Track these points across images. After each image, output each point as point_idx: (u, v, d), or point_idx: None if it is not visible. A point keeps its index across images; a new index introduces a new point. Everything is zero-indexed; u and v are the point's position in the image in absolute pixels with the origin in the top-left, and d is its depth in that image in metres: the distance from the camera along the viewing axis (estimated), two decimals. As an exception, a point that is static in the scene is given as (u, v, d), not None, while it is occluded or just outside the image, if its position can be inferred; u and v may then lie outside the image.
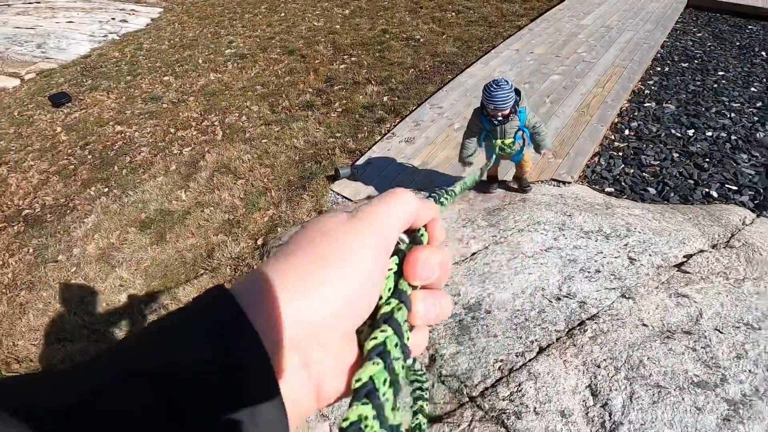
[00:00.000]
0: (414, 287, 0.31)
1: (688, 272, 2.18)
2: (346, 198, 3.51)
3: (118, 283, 3.07)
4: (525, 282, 2.17)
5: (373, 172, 3.63)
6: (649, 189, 3.24)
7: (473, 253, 2.44)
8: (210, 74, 5.39)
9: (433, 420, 1.71)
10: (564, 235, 2.51)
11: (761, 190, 3.09)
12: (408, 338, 0.29)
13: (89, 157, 4.25)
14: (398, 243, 0.32)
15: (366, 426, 0.25)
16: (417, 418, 0.36)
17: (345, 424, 0.25)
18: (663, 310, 1.95)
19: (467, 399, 1.77)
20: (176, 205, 3.60)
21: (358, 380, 0.26)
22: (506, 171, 3.22)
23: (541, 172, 3.33)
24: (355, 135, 4.08)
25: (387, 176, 3.59)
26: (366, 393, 0.26)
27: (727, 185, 3.17)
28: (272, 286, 0.26)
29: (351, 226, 0.29)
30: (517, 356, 1.87)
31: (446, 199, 0.43)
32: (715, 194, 3.12)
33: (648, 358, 1.75)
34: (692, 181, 3.25)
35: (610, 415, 1.62)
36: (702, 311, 1.93)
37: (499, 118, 2.48)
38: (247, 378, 0.23)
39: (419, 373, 0.37)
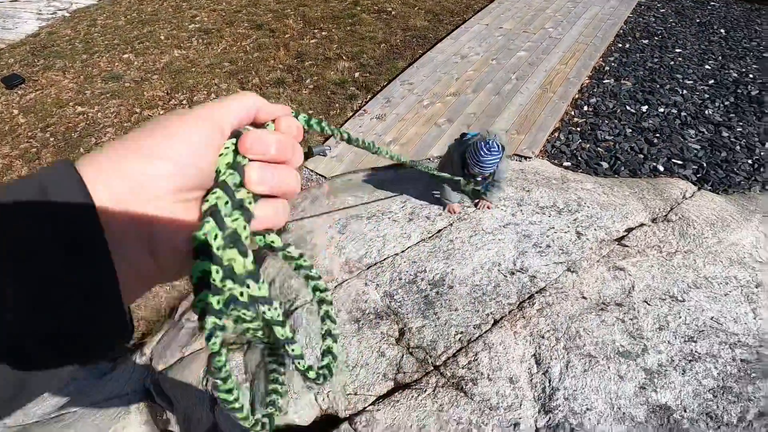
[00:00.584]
0: (251, 160, 0.33)
1: (627, 246, 2.37)
2: (320, 175, 3.57)
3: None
4: (484, 258, 2.32)
5: (347, 148, 3.67)
6: (603, 163, 3.41)
7: (439, 230, 2.58)
8: (174, 51, 5.18)
9: (402, 387, 1.89)
10: (521, 210, 2.66)
11: (704, 165, 3.28)
12: (250, 202, 0.32)
13: (51, 139, 4.12)
14: (242, 130, 0.34)
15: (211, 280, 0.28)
16: (326, 358, 0.39)
17: (194, 280, 0.29)
18: (601, 283, 2.14)
19: (432, 368, 1.94)
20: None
21: (193, 238, 0.29)
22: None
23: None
24: (327, 112, 4.08)
25: (360, 152, 3.64)
26: (200, 248, 0.28)
27: (673, 160, 3.35)
28: (106, 153, 0.29)
29: (184, 115, 0.32)
30: (474, 328, 2.05)
31: (324, 126, 0.44)
32: (661, 168, 3.30)
33: (584, 329, 1.95)
34: (642, 156, 3.43)
35: (549, 381, 1.82)
36: (634, 284, 2.14)
37: (479, 179, 2.40)
38: (60, 193, 0.25)
39: (327, 300, 0.41)
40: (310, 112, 4.14)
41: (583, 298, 2.06)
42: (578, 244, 2.37)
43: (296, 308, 2.23)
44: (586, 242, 2.39)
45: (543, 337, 1.95)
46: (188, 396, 2.21)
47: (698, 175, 3.22)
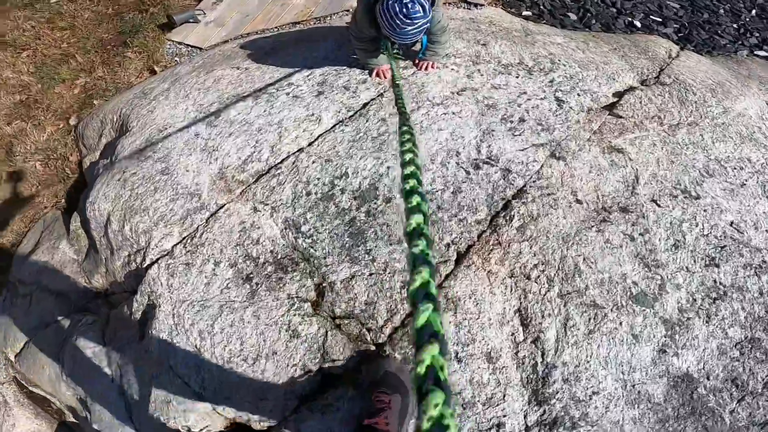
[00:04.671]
0: None
1: (621, 117, 1.50)
2: (192, 47, 2.17)
3: None
4: (434, 144, 1.33)
5: (232, 7, 2.22)
6: (570, 14, 2.36)
7: (364, 105, 1.49)
8: None
9: (332, 384, 1.02)
10: (479, 71, 1.63)
11: (686, 24, 2.37)
12: None
13: None
14: None
15: None
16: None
17: None
18: (597, 174, 1.29)
19: (373, 347, 1.06)
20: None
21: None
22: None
23: (450, -10, 2.22)
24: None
25: (250, 10, 2.22)
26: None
27: (651, 16, 2.38)
28: None
29: None
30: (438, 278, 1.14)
31: None
32: (638, 24, 2.34)
33: (584, 258, 1.11)
34: (615, 9, 2.41)
35: (542, 355, 1.00)
36: (638, 173, 1.31)
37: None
38: None
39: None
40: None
41: (578, 201, 1.20)
42: (561, 116, 1.45)
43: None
44: (570, 112, 1.47)
45: (529, 278, 1.09)
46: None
47: (680, 35, 2.32)
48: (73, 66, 2.14)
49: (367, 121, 1.43)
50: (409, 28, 1.24)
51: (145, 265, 1.22)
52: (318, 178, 1.27)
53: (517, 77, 1.61)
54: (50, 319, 1.31)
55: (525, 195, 1.20)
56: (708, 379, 1.05)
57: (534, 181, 1.24)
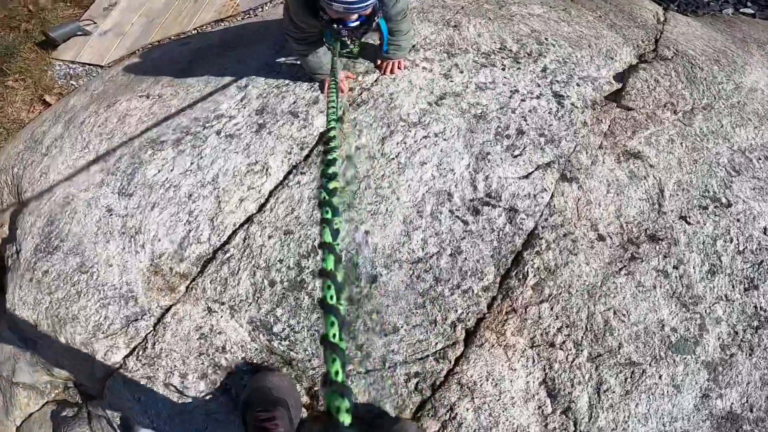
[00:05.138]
0: None
1: (632, 109, 1.24)
2: (90, 65, 1.69)
3: None
4: (419, 185, 1.01)
5: (128, 13, 1.73)
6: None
7: (320, 136, 1.15)
8: None
9: None
10: (458, 66, 1.30)
11: (665, -21, 2.11)
12: None
13: None
14: None
15: None
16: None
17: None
18: (617, 194, 1.03)
19: None
20: None
21: None
22: None
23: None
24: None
25: (154, 14, 1.75)
26: None
27: (629, -32, 2.10)
28: None
29: None
30: (436, 360, 0.87)
31: None
32: (616, -19, 2.06)
33: (614, 312, 0.88)
34: (591, -37, 2.11)
35: (575, 424, 0.80)
36: (662, 184, 1.07)
37: (353, 24, 0.97)
38: None
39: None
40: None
41: (600, 238, 0.94)
42: (564, 118, 1.17)
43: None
44: (574, 111, 1.19)
45: (554, 346, 0.85)
46: None
47: (660, -7, 2.07)
48: None
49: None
50: None
51: (100, 377, 0.90)
52: (280, 260, 0.95)
53: (503, 69, 1.30)
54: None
55: (538, 241, 0.94)
56: (751, 411, 0.88)
57: (546, 219, 0.97)
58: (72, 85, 1.58)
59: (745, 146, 1.21)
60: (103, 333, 0.95)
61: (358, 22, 0.96)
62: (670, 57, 1.47)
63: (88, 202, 1.09)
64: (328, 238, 0.38)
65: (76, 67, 1.64)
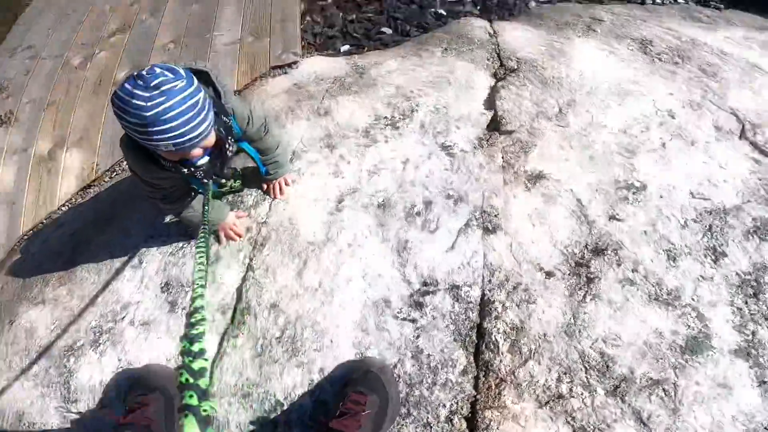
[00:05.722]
0: None
1: (513, 131, 1.29)
2: None
3: None
4: (355, 306, 0.89)
5: None
6: (384, 30, 2.13)
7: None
8: None
9: None
10: (343, 156, 1.25)
11: (475, -3, 2.33)
12: None
13: None
14: None
15: None
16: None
17: None
18: (541, 223, 1.01)
19: None
20: None
21: None
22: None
23: (251, 69, 1.82)
24: None
25: (11, 198, 1.50)
26: None
27: (450, 1, 2.31)
28: None
29: None
30: None
31: None
32: (443, 12, 2.23)
33: (604, 340, 0.82)
34: (417, 6, 2.27)
35: None
36: (576, 193, 1.09)
37: (201, 160, 0.81)
38: None
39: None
40: None
41: (548, 275, 0.91)
42: (461, 170, 1.15)
43: None
44: (466, 158, 1.19)
45: (563, 397, 0.77)
46: None
47: (478, 7, 2.28)
48: None
49: (245, 352, 0.94)
50: (163, 104, 0.68)
51: None
52: (251, 422, 0.79)
53: (386, 142, 1.28)
54: None
55: (492, 306, 0.88)
56: None
57: (489, 281, 0.92)
58: None
59: (622, 127, 1.30)
60: None
61: (206, 158, 0.82)
62: (516, 67, 1.58)
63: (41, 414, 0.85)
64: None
65: None
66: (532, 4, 2.27)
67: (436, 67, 1.65)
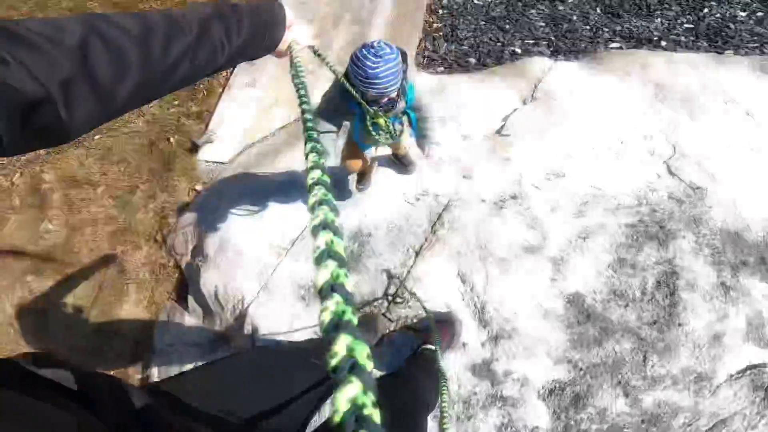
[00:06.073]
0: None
1: (506, 134, 2.16)
2: (219, 162, 2.91)
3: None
4: (390, 190, 1.97)
5: (233, 127, 3.00)
6: (470, 59, 3.07)
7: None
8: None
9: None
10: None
11: (552, 39, 3.05)
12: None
13: None
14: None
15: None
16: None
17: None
18: (493, 179, 1.92)
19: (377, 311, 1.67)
20: (50, 239, 2.73)
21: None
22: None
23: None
24: (194, 96, 3.23)
25: (251, 124, 2.99)
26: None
27: (526, 40, 3.08)
28: None
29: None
30: (401, 266, 1.77)
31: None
32: (519, 50, 3.04)
33: (491, 233, 1.74)
34: (500, 44, 3.12)
35: (477, 296, 1.63)
36: (521, 171, 1.95)
37: (382, 105, 1.29)
38: None
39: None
40: (176, 102, 3.24)
41: (482, 201, 1.85)
42: (467, 149, 2.11)
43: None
44: (471, 143, 2.13)
45: (460, 254, 1.73)
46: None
47: (551, 49, 3.01)
48: (140, 194, 2.87)
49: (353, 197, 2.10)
50: (381, 65, 1.13)
51: (244, 308, 1.87)
52: None
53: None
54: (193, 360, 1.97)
55: (450, 207, 1.84)
56: (596, 294, 1.60)
57: (454, 198, 1.87)
58: (210, 177, 2.76)
59: (579, 143, 2.04)
60: (246, 278, 1.94)
61: (386, 102, 1.26)
62: (539, 98, 2.38)
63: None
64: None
65: (210, 164, 2.85)
66: (601, 48, 2.91)
67: (488, 90, 2.55)
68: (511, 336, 1.52)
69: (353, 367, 0.22)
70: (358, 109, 1.28)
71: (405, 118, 1.47)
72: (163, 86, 0.53)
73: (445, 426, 0.56)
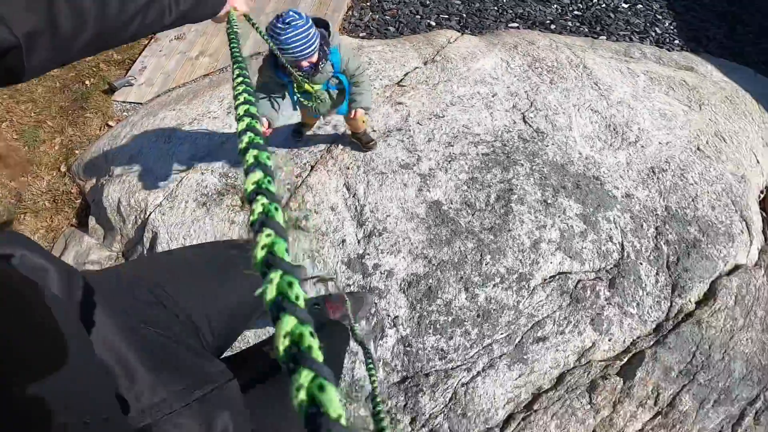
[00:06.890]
0: None
1: (404, 86, 2.49)
2: (135, 103, 2.98)
3: None
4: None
5: (156, 71, 3.05)
6: (390, 28, 3.37)
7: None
8: None
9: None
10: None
11: (464, 15, 3.46)
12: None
13: None
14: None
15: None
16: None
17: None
18: (386, 117, 2.25)
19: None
20: (-52, 178, 2.63)
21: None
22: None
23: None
24: (130, 49, 3.24)
25: (172, 70, 3.06)
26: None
27: (441, 15, 3.45)
28: None
29: None
30: (296, 177, 2.06)
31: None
32: (434, 23, 3.40)
33: (376, 154, 2.08)
34: (419, 16, 3.46)
35: (358, 201, 1.95)
36: (410, 112, 2.29)
37: (305, 69, 1.39)
38: None
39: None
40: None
41: (374, 131, 2.17)
42: (368, 94, 2.42)
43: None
44: (373, 90, 2.44)
45: (348, 168, 2.05)
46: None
47: (460, 24, 3.40)
48: (47, 129, 2.87)
49: None
50: (292, 34, 1.24)
51: (146, 216, 2.04)
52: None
53: (344, 78, 2.56)
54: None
55: (346, 135, 2.15)
56: (451, 203, 2.00)
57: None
58: (124, 115, 2.84)
59: (461, 94, 2.42)
60: (152, 192, 2.11)
61: (308, 68, 1.36)
62: (438, 60, 2.73)
63: (151, 143, 2.30)
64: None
65: (126, 105, 2.92)
66: (502, 27, 3.34)
67: (398, 53, 2.87)
68: (381, 234, 1.86)
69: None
70: (287, 79, 1.42)
71: (336, 84, 1.56)
72: (113, 40, 0.58)
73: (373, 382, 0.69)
